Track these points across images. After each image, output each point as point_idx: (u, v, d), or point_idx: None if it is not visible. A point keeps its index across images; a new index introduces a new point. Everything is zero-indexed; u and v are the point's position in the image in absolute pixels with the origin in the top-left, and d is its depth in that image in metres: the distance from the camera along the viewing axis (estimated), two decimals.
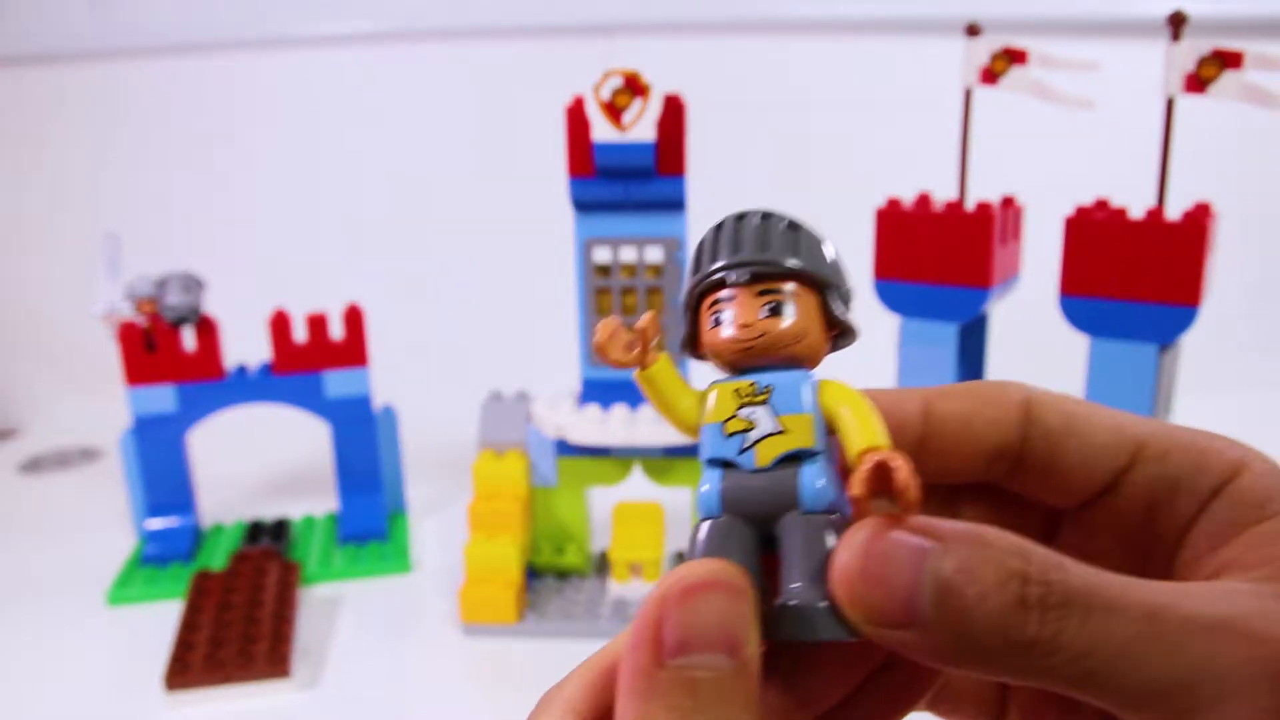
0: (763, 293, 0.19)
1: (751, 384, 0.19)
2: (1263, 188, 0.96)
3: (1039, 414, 0.20)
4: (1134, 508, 0.20)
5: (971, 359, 0.65)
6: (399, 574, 0.73)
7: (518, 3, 1.11)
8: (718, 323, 0.20)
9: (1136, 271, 0.55)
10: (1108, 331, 0.57)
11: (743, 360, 0.20)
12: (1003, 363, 0.69)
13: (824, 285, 0.20)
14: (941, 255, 0.61)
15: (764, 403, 0.19)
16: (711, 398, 0.20)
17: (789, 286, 0.20)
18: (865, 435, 0.18)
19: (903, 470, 0.17)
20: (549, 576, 0.71)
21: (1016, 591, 0.16)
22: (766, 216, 0.20)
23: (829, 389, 0.19)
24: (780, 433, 0.19)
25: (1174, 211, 0.55)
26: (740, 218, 0.20)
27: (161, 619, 0.67)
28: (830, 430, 0.19)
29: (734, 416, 0.19)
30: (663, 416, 0.21)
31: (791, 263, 0.19)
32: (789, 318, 0.19)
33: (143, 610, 0.70)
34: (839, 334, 0.20)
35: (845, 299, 0.20)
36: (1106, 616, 0.16)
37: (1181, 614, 0.16)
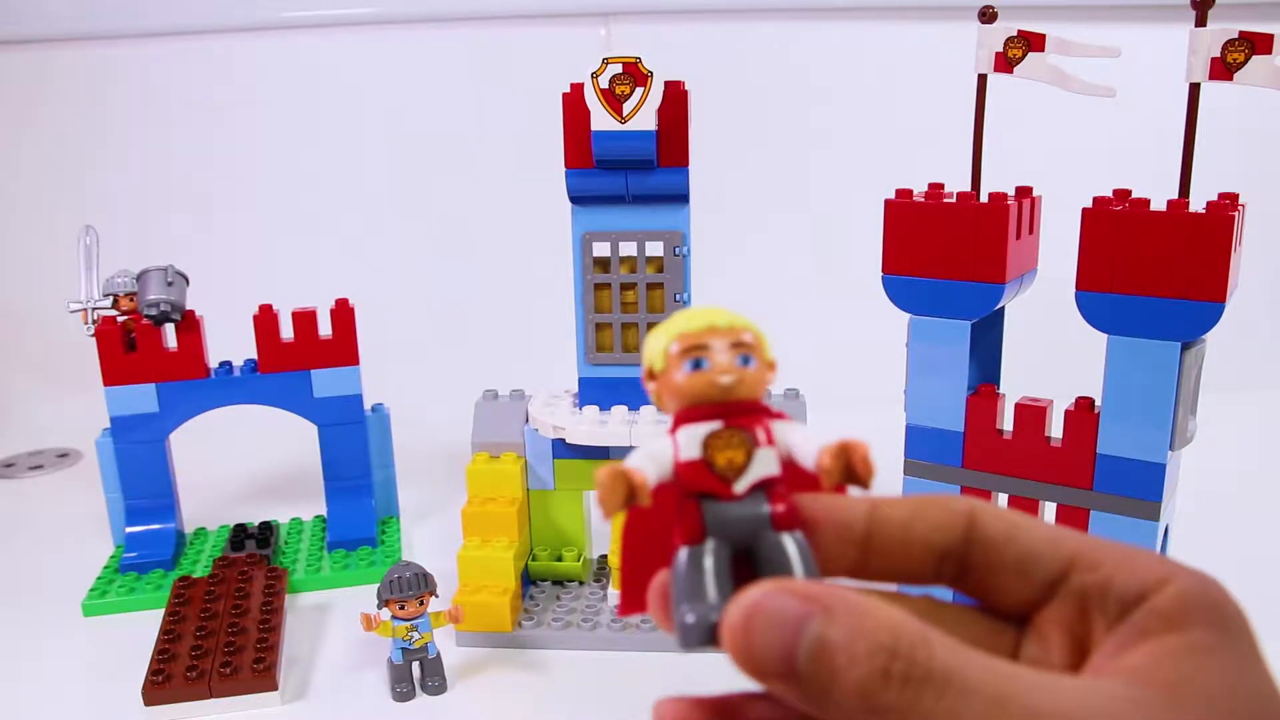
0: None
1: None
2: None
3: (982, 522, 0.22)
4: (1071, 613, 0.22)
5: (986, 358, 0.63)
6: None
7: None
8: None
9: (1158, 266, 0.53)
10: (1127, 329, 0.55)
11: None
12: (1018, 362, 0.67)
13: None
14: (954, 249, 0.59)
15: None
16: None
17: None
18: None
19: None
20: (546, 583, 0.69)
21: (882, 664, 0.18)
22: None
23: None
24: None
25: (1198, 203, 0.53)
26: None
27: (141, 629, 0.64)
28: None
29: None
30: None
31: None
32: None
33: (121, 620, 0.67)
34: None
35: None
36: (958, 697, 0.18)
37: (1026, 704, 0.18)
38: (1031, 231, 0.62)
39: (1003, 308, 0.63)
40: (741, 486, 0.21)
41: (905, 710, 0.18)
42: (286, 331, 0.73)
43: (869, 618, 0.18)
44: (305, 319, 0.72)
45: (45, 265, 1.00)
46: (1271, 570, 0.71)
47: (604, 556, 0.70)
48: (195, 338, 0.72)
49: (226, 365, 0.74)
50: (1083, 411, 0.57)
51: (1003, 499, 0.61)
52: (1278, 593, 0.69)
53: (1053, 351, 0.76)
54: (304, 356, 0.73)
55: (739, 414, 0.22)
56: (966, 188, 0.60)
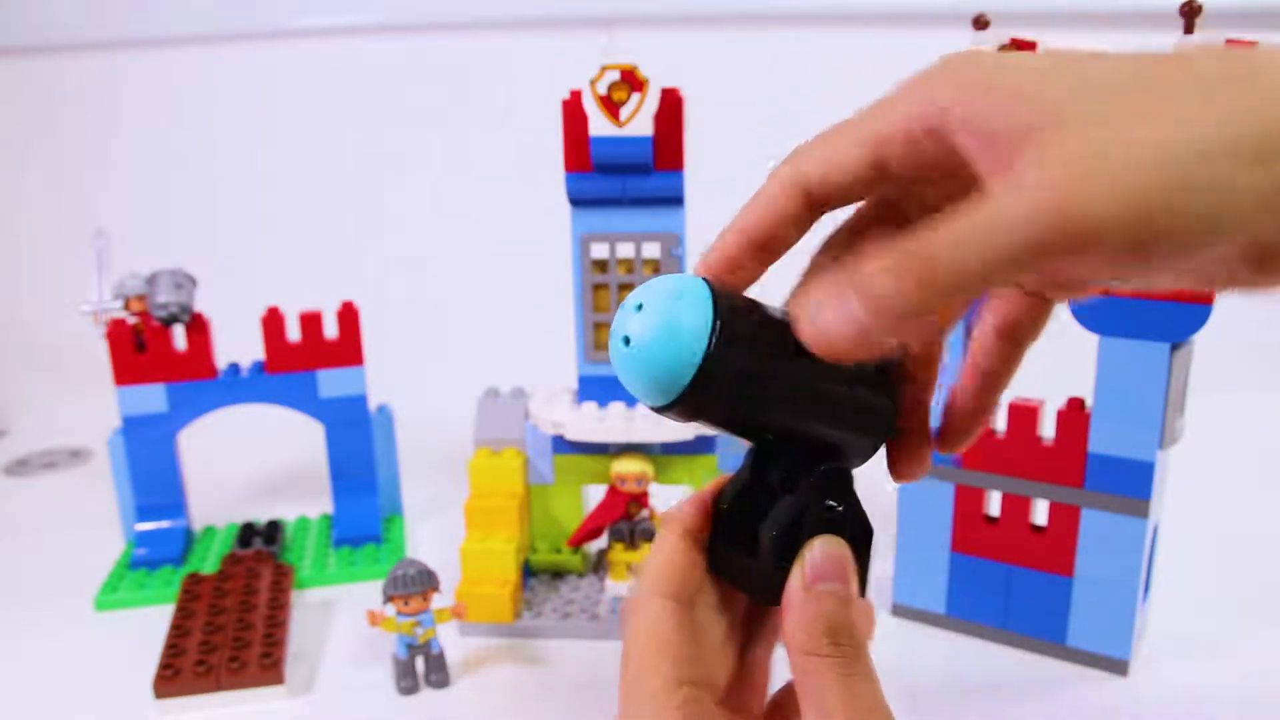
0: None
1: None
2: None
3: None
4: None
5: None
6: None
7: None
8: None
9: None
10: (1117, 330, 0.56)
11: None
12: None
13: None
14: None
15: None
16: None
17: None
18: None
19: None
20: (545, 575, 0.70)
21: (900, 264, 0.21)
22: None
23: None
24: None
25: None
26: None
27: (151, 624, 0.66)
28: None
29: None
30: None
31: None
32: None
33: (132, 615, 0.69)
34: None
35: None
36: (949, 243, 0.21)
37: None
38: None
39: None
40: None
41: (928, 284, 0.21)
42: (293, 333, 0.73)
43: (865, 266, 0.22)
44: (311, 320, 0.73)
45: (57, 267, 1.02)
46: (1258, 567, 0.72)
47: (602, 550, 0.71)
48: (204, 339, 0.73)
49: (234, 366, 0.75)
50: (1074, 411, 0.58)
51: (996, 496, 0.62)
52: (1263, 589, 0.70)
53: (1044, 352, 0.77)
54: (310, 357, 0.74)
55: None
56: None
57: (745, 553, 0.26)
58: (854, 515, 0.26)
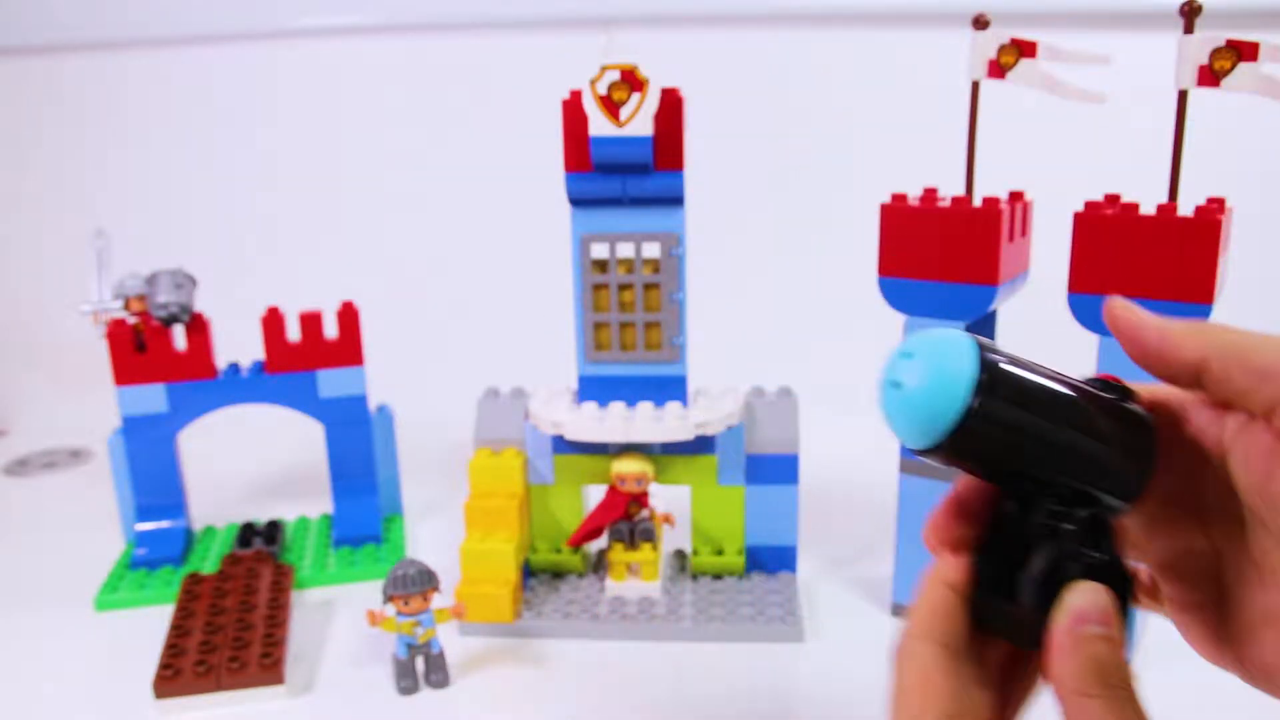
0: None
1: None
2: (1278, 182, 0.95)
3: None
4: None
5: None
6: None
7: None
8: None
9: (1147, 269, 0.54)
10: None
11: None
12: None
13: None
14: (948, 252, 0.59)
15: None
16: None
17: None
18: None
19: None
20: (545, 575, 0.70)
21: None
22: None
23: None
24: None
25: (1186, 207, 0.54)
26: None
27: (151, 624, 0.66)
28: None
29: None
30: None
31: None
32: None
33: (131, 615, 0.69)
34: None
35: None
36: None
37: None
38: (1024, 234, 0.63)
39: (995, 309, 0.64)
40: None
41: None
42: (293, 333, 0.73)
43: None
44: (311, 320, 0.73)
45: (57, 267, 1.02)
46: None
47: (602, 551, 0.72)
48: (204, 339, 0.73)
49: (234, 366, 0.75)
50: None
51: None
52: None
53: (1044, 352, 0.77)
54: (310, 357, 0.74)
55: None
56: (960, 192, 0.61)
57: (1005, 599, 0.27)
58: (1114, 564, 0.26)
